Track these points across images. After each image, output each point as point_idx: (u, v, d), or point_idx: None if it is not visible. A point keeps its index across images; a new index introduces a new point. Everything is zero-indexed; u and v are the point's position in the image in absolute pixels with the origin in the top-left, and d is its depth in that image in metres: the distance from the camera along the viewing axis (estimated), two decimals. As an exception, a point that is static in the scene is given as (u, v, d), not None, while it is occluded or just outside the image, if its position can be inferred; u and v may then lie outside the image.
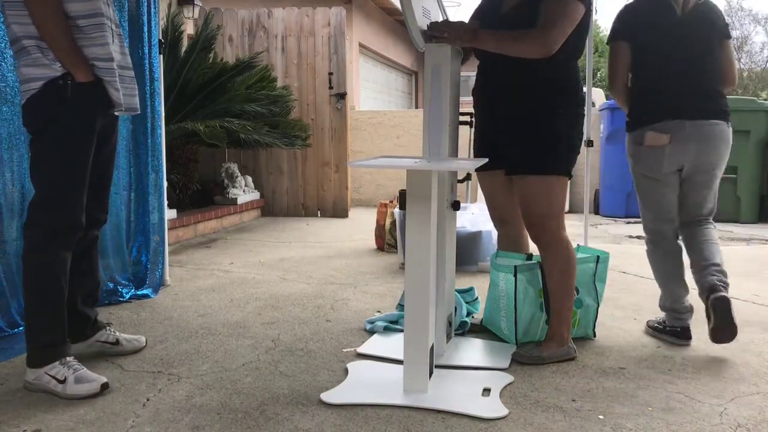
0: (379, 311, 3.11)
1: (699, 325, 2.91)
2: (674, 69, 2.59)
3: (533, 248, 2.66)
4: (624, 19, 2.69)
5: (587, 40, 4.21)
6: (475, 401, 2.07)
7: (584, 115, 2.50)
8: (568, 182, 2.47)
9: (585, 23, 2.36)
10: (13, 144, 2.70)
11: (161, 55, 3.54)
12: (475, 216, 4.09)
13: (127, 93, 2.29)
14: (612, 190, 7.01)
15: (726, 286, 2.51)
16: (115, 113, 2.34)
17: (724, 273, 2.54)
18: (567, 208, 7.20)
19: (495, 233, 4.02)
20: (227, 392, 2.14)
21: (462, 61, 2.59)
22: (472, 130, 3.25)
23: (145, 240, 3.54)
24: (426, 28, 2.35)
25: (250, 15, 6.76)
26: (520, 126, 2.42)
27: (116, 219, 3.35)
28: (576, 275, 2.50)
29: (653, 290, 3.53)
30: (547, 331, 2.49)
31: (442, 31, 2.30)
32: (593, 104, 8.05)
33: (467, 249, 3.98)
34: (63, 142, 2.12)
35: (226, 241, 5.24)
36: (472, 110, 2.76)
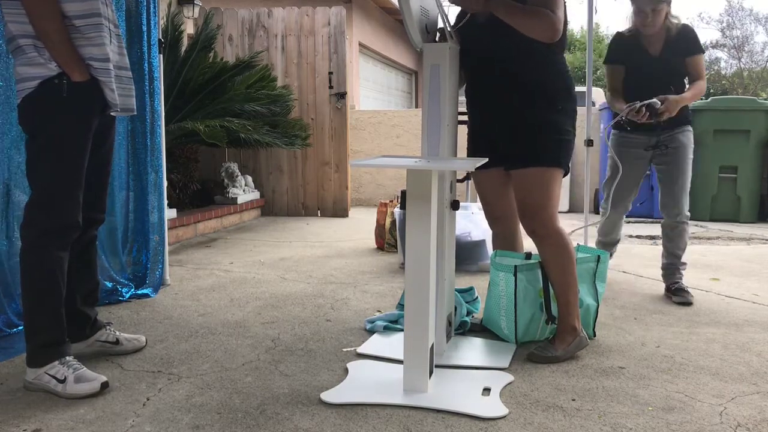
0: (379, 311, 3.11)
1: (700, 325, 2.92)
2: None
3: (527, 246, 2.67)
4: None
5: (587, 41, 4.22)
6: (475, 401, 2.07)
7: (577, 111, 2.55)
8: (564, 179, 2.51)
9: (565, 16, 2.42)
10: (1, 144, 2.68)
11: (161, 55, 3.54)
12: (478, 219, 4.08)
13: (124, 93, 2.29)
14: (612, 189, 7.00)
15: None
16: (112, 114, 2.33)
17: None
18: (567, 207, 7.25)
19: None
20: (227, 392, 2.14)
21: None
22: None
23: (144, 239, 3.54)
24: (425, 27, 2.36)
25: (250, 14, 6.76)
26: (520, 121, 2.44)
27: (112, 219, 3.34)
28: (576, 264, 2.51)
29: (653, 290, 3.53)
30: (558, 326, 2.49)
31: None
32: (593, 104, 8.06)
33: (468, 251, 3.98)
34: (58, 142, 2.11)
35: (226, 240, 5.24)
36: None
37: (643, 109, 3.06)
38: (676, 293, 3.33)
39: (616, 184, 3.26)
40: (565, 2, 2.40)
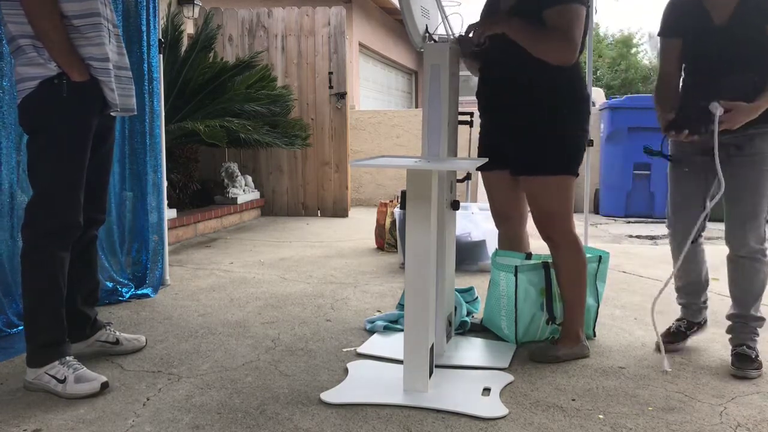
0: (379, 311, 3.11)
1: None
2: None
3: (533, 248, 2.67)
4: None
5: (587, 41, 4.23)
6: (475, 401, 2.07)
7: (589, 112, 2.49)
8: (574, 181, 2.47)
9: (585, 23, 2.37)
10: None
11: (161, 55, 3.54)
12: (478, 219, 4.08)
13: (123, 93, 2.29)
14: (612, 189, 7.01)
15: None
16: (111, 114, 2.33)
17: None
18: (567, 207, 7.24)
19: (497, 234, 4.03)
20: (227, 392, 2.14)
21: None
22: (472, 129, 3.25)
23: (144, 239, 3.54)
24: (425, 27, 2.35)
25: (250, 14, 6.76)
26: (527, 127, 2.40)
27: (110, 219, 3.34)
28: (587, 273, 2.50)
29: (653, 290, 3.53)
30: (562, 330, 2.50)
31: (479, 36, 2.31)
32: (593, 104, 8.06)
33: (469, 251, 3.98)
34: (58, 142, 2.11)
35: (226, 240, 5.24)
36: (471, 110, 2.76)
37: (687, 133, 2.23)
38: (735, 359, 2.35)
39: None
40: (586, 8, 2.33)
